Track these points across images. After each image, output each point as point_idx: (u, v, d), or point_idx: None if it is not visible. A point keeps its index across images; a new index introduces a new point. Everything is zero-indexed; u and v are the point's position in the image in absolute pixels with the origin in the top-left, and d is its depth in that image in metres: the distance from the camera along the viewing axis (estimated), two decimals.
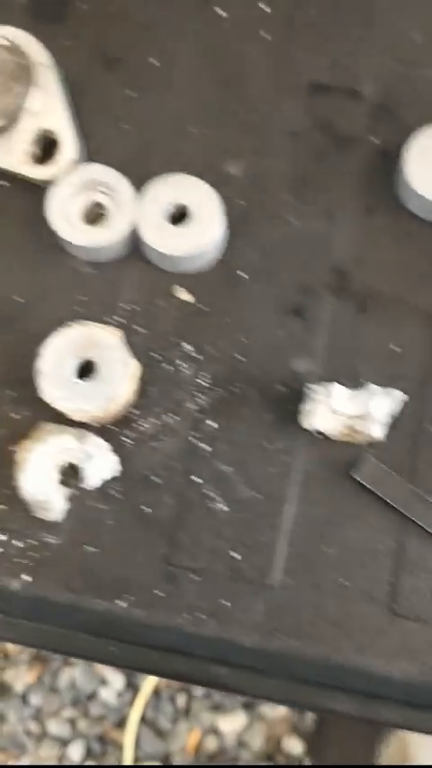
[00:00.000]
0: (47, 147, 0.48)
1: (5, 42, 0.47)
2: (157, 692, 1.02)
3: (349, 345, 0.45)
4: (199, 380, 0.45)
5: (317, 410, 0.43)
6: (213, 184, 0.47)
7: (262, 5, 0.51)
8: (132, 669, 0.44)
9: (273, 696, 0.42)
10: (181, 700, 1.02)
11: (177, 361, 0.46)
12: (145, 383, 0.45)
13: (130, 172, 0.47)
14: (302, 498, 0.43)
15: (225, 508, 0.43)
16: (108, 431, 0.44)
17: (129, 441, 0.45)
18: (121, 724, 0.99)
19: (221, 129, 0.49)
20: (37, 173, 0.47)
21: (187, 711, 1.02)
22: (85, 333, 0.44)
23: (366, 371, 0.45)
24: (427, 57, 0.49)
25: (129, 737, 0.98)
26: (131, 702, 1.02)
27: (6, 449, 0.44)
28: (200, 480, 0.44)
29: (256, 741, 0.99)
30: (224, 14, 0.51)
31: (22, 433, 0.44)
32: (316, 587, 0.42)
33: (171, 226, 0.45)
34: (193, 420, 0.45)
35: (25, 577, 0.43)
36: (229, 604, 0.42)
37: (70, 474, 0.43)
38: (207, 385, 0.45)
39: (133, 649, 0.42)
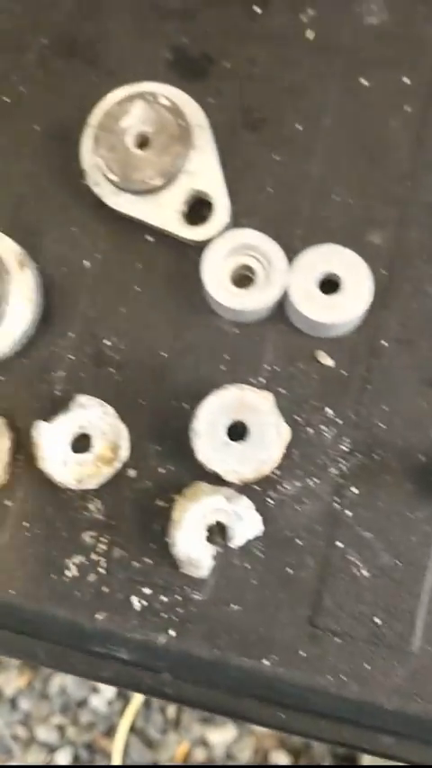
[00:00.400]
0: (195, 207, 0.54)
1: (167, 103, 0.53)
2: (147, 702, 1.07)
3: None
4: (340, 446, 0.51)
5: None
6: (358, 253, 0.52)
7: (404, 78, 0.57)
8: (284, 731, 0.49)
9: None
10: (171, 710, 1.07)
11: (319, 426, 0.51)
12: (288, 445, 0.50)
13: (275, 236, 0.53)
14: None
15: (366, 573, 0.49)
16: (252, 491, 0.50)
17: (272, 501, 0.50)
18: (110, 732, 1.06)
19: (364, 198, 0.55)
20: (189, 233, 0.53)
21: (177, 722, 1.07)
22: (238, 395, 0.49)
23: None
24: None
25: (117, 746, 1.03)
26: (122, 711, 1.07)
27: (153, 503, 0.50)
28: (341, 545, 0.49)
29: (245, 754, 1.05)
30: (367, 84, 0.57)
31: (167, 487, 0.50)
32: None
33: (321, 294, 0.51)
34: (335, 485, 0.50)
35: (171, 632, 0.48)
36: (370, 668, 0.47)
37: (216, 532, 0.49)
38: (348, 450, 0.51)
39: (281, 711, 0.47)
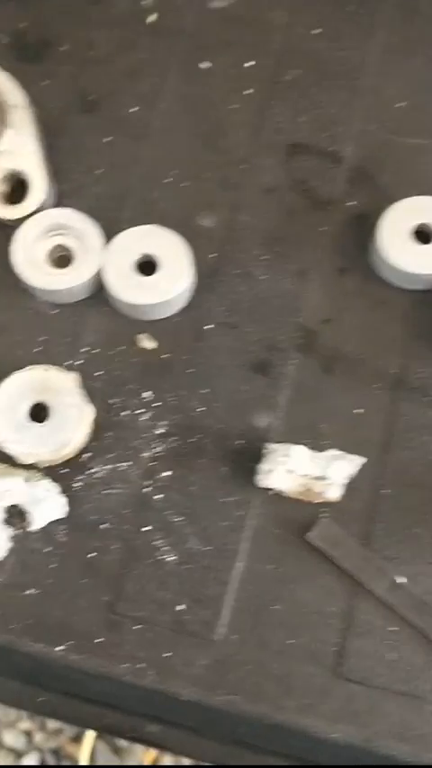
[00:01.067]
0: (18, 188, 0.61)
1: None
2: None
3: (312, 405, 0.58)
4: (156, 429, 0.57)
5: (275, 471, 0.54)
6: (186, 236, 0.60)
7: (247, 61, 0.65)
8: (60, 719, 0.54)
9: (204, 756, 0.52)
10: None
11: (135, 409, 0.58)
12: (101, 428, 0.57)
13: (102, 217, 0.60)
14: (254, 554, 0.55)
15: (173, 559, 0.55)
16: (58, 473, 0.56)
17: (80, 485, 0.56)
18: (77, 739, 1.16)
19: (197, 181, 0.63)
20: (5, 212, 0.60)
21: None
22: (40, 376, 0.56)
23: (328, 432, 0.57)
24: (409, 126, 0.64)
25: (84, 752, 1.11)
26: None
27: None
28: (149, 529, 0.55)
29: None
30: (209, 67, 0.65)
31: None
32: (261, 645, 0.53)
33: (137, 275, 0.58)
34: (147, 469, 0.57)
35: None
36: (171, 655, 0.53)
37: (16, 515, 0.54)
38: (164, 434, 0.57)
39: (64, 699, 0.52)
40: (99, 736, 1.15)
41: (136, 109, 0.65)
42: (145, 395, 0.58)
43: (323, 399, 0.58)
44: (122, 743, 1.16)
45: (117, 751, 1.14)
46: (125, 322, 0.60)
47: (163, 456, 0.57)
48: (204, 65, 0.66)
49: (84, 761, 1.12)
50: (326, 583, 0.55)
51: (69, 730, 1.17)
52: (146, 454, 0.57)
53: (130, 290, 0.59)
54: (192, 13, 0.67)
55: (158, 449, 0.57)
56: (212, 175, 0.63)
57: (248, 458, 0.57)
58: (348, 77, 0.65)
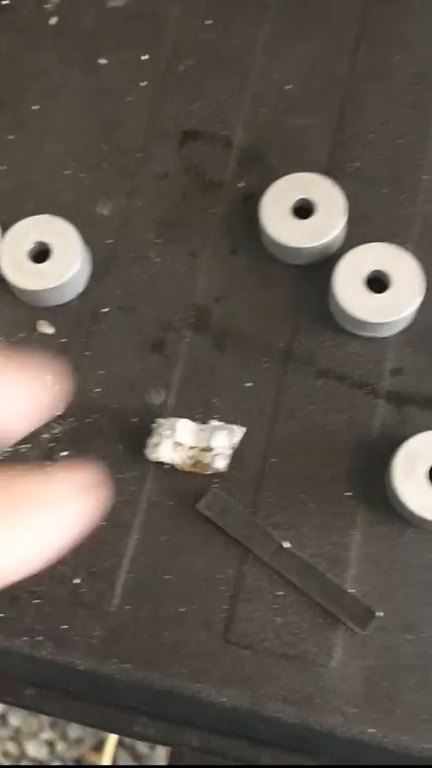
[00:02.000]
0: None
1: None
2: None
3: (205, 380, 0.57)
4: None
5: (161, 444, 0.53)
6: (85, 225, 0.59)
7: (143, 55, 0.65)
8: None
9: (83, 720, 0.52)
10: None
11: None
12: None
13: (5, 212, 0.60)
14: (147, 527, 0.54)
15: None
16: None
17: None
18: (98, 747, 1.16)
19: (95, 172, 0.62)
20: None
21: None
22: None
23: (220, 406, 0.56)
24: (297, 107, 0.62)
25: (106, 761, 1.11)
26: None
27: None
28: None
29: None
30: (106, 63, 0.65)
31: None
32: (154, 614, 0.52)
33: (30, 262, 0.58)
34: (46, 450, 0.56)
35: None
36: (67, 627, 0.52)
37: None
38: (62, 415, 0.56)
39: None
40: (120, 744, 1.14)
41: (38, 107, 0.65)
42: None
43: (215, 375, 0.57)
44: (143, 749, 1.15)
45: (138, 758, 1.14)
46: (25, 309, 0.60)
47: (61, 437, 0.57)
48: (102, 61, 0.65)
49: None
50: (216, 551, 0.54)
51: (90, 739, 1.17)
52: (45, 436, 0.57)
53: (25, 278, 0.58)
54: (91, 13, 0.67)
55: (56, 430, 0.57)
56: (109, 165, 0.62)
57: (143, 435, 0.56)
58: (239, 64, 0.64)
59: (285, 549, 0.53)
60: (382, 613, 0.52)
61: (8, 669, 0.53)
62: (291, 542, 0.53)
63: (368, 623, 0.52)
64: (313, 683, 0.51)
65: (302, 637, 0.52)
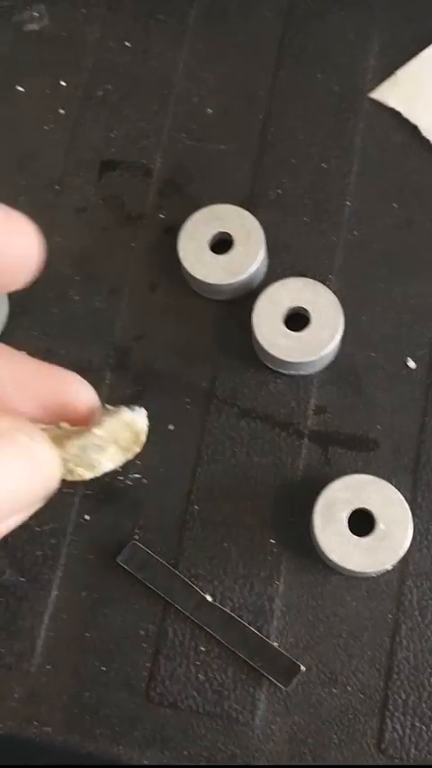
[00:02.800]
0: None
1: None
2: None
3: None
4: None
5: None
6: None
7: (61, 81, 0.60)
8: None
9: None
10: None
11: None
12: None
13: None
14: (68, 582, 0.50)
15: None
16: None
17: None
18: None
19: (13, 206, 0.57)
20: None
21: None
22: None
23: (141, 450, 0.52)
24: (215, 132, 0.58)
25: None
26: None
27: None
28: None
29: None
30: (23, 90, 0.60)
31: None
32: (75, 673, 0.49)
33: None
34: None
35: None
36: None
37: None
38: None
39: None
40: None
41: None
42: None
43: None
44: None
45: None
46: None
47: None
48: (20, 88, 0.61)
49: None
50: (137, 606, 0.50)
51: None
52: None
53: None
54: (7, 38, 0.62)
55: None
56: (27, 199, 0.58)
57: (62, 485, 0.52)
58: (158, 88, 0.59)
59: (208, 601, 0.49)
60: (304, 668, 0.48)
61: None
62: (213, 594, 0.49)
63: (292, 678, 0.48)
64: (237, 741, 0.48)
65: (225, 694, 0.48)
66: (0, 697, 0.49)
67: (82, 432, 0.28)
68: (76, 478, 0.29)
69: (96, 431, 0.28)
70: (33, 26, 0.62)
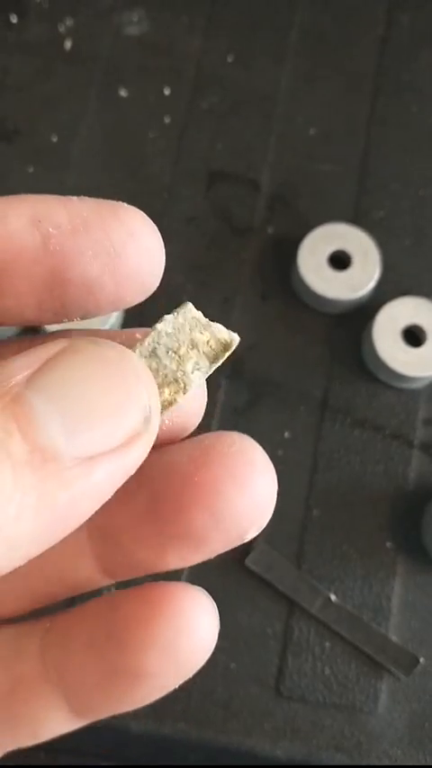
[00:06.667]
0: None
1: None
2: None
3: (241, 430, 0.49)
4: None
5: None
6: None
7: (164, 89, 0.54)
8: None
9: None
10: None
11: None
12: None
13: None
14: (194, 583, 0.46)
15: None
16: None
17: None
18: None
19: None
20: None
21: None
22: None
23: None
24: (320, 152, 0.54)
25: None
26: None
27: None
28: None
29: None
30: (126, 95, 0.54)
31: None
32: (205, 671, 0.45)
33: None
34: None
35: None
36: None
37: None
38: None
39: None
40: None
41: (56, 138, 0.53)
42: None
43: (252, 424, 0.50)
44: None
45: None
46: None
47: None
48: (122, 92, 0.55)
49: None
50: (263, 605, 0.47)
51: None
52: None
53: None
54: (107, 39, 0.55)
55: None
56: (135, 206, 0.52)
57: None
58: (261, 104, 0.55)
59: (332, 601, 0.47)
60: (423, 660, 0.46)
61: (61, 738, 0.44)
62: (335, 594, 0.47)
63: (412, 669, 0.46)
64: (361, 729, 0.46)
65: (350, 686, 0.46)
66: None
67: (145, 337, 0.21)
68: (167, 406, 0.20)
69: (160, 326, 0.21)
70: (133, 30, 0.56)
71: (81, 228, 0.19)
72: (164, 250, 0.21)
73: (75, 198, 0.20)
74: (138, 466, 0.17)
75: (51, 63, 0.55)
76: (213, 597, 0.46)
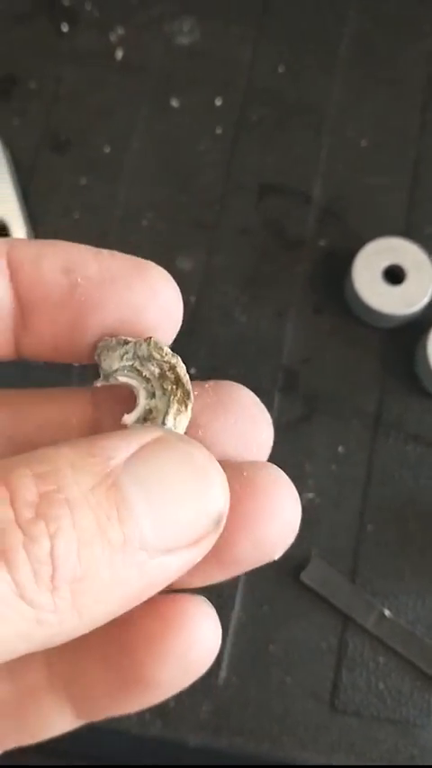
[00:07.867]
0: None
1: None
2: None
3: (295, 444, 0.48)
4: None
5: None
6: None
7: (216, 99, 0.52)
8: None
9: None
10: None
11: None
12: None
13: None
14: (249, 598, 0.45)
15: None
16: None
17: None
18: None
19: (174, 223, 0.50)
20: None
21: None
22: None
23: (310, 471, 0.47)
24: (372, 165, 0.52)
25: None
26: None
27: None
28: None
29: None
30: (178, 106, 0.52)
31: None
32: (260, 685, 0.44)
33: None
34: None
35: None
36: (175, 704, 0.43)
37: None
38: None
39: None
40: None
41: (108, 149, 0.52)
42: None
43: (306, 438, 0.48)
44: None
45: None
46: None
47: None
48: (174, 103, 0.53)
49: None
50: (318, 620, 0.46)
51: None
52: None
53: None
54: (158, 49, 0.54)
55: None
56: (187, 217, 0.51)
57: None
58: (311, 116, 0.53)
59: (386, 616, 0.45)
60: None
61: (116, 754, 0.43)
62: (389, 609, 0.46)
63: None
64: (414, 743, 0.45)
65: (403, 701, 0.45)
66: (190, 710, 0.44)
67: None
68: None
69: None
70: (184, 40, 0.54)
71: (108, 283, 0.20)
72: (182, 307, 0.22)
73: (106, 252, 0.21)
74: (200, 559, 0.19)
75: (103, 73, 0.53)
76: (269, 612, 0.45)
